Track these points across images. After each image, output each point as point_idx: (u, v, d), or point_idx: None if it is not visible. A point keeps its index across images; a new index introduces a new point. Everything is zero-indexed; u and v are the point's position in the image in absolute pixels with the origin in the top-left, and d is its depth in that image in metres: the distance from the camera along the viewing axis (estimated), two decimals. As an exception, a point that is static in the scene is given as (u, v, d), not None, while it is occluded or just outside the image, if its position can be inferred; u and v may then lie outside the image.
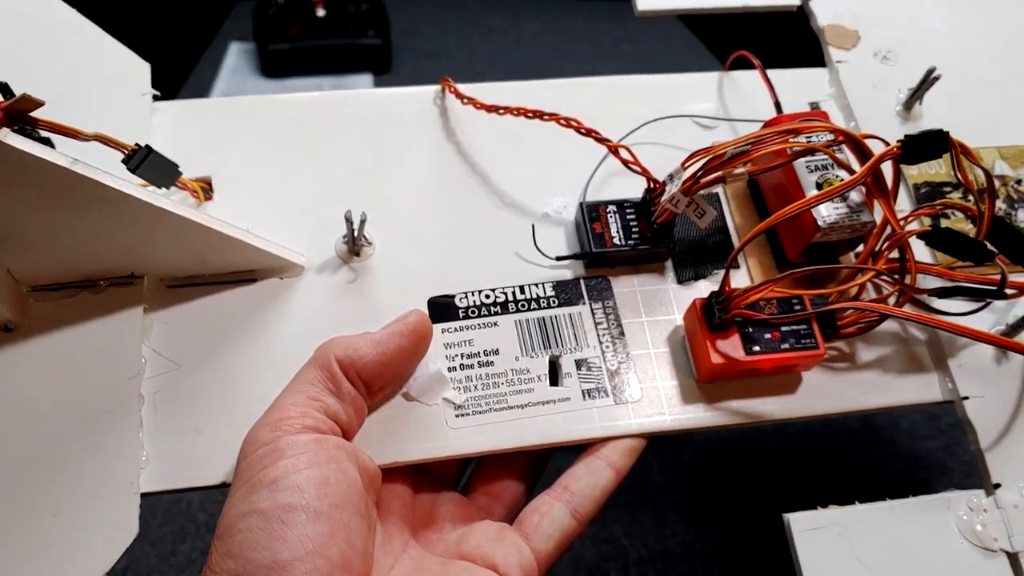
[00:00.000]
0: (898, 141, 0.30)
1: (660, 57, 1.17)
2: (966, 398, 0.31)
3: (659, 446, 0.68)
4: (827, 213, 0.31)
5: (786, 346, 0.30)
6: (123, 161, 0.28)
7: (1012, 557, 0.29)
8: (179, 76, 0.87)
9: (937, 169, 0.37)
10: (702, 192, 0.31)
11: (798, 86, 0.38)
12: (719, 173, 0.30)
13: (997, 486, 0.30)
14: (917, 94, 0.37)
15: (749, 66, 0.38)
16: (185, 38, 0.93)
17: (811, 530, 0.29)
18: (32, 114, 0.24)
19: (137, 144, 0.28)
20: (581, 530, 0.29)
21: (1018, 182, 0.37)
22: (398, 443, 0.29)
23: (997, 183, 0.36)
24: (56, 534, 0.27)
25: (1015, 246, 0.31)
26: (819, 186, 0.32)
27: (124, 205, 0.27)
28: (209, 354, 0.30)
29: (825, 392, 0.31)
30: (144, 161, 0.28)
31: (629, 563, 0.63)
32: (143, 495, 0.28)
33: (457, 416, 0.30)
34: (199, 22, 0.98)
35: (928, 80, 0.36)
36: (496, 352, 0.31)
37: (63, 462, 0.27)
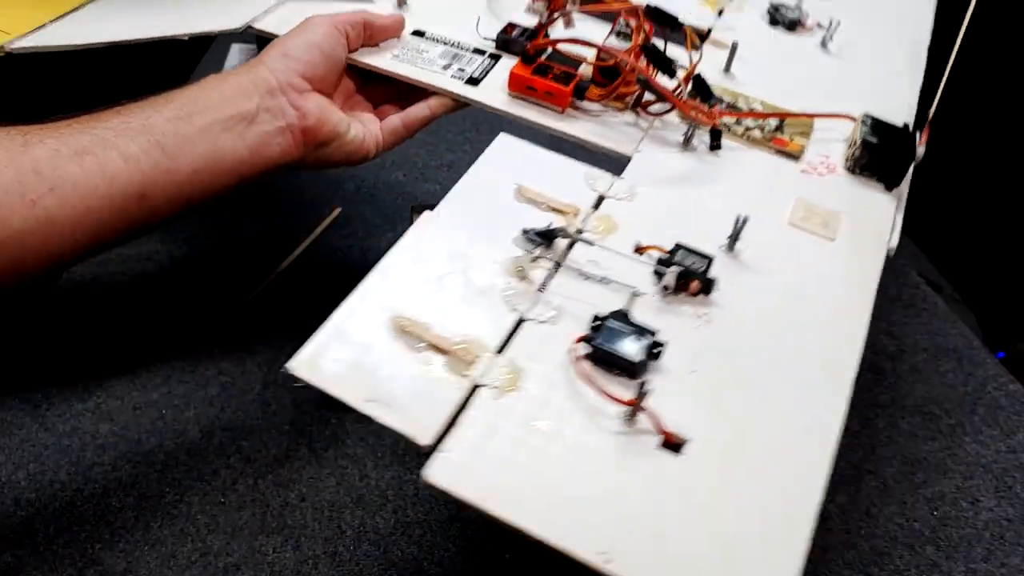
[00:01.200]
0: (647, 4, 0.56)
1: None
2: (639, 151, 0.54)
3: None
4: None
5: (553, 83, 0.55)
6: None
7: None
8: (182, 76, 0.92)
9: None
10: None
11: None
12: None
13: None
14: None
15: None
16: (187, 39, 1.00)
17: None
18: None
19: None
20: (407, 135, 0.58)
21: (750, 107, 0.58)
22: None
23: (745, 106, 0.59)
24: None
25: (702, 90, 0.54)
26: (619, 34, 0.58)
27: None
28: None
29: (578, 125, 0.55)
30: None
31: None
32: None
33: (392, 58, 0.59)
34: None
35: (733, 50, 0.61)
36: (427, 53, 0.60)
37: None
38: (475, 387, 0.39)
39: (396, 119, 0.58)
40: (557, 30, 0.63)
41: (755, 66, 0.63)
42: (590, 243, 0.46)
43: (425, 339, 0.40)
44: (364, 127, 0.57)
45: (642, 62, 0.54)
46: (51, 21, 0.56)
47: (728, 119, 0.56)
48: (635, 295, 0.42)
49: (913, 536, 0.58)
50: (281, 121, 0.51)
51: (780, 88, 0.61)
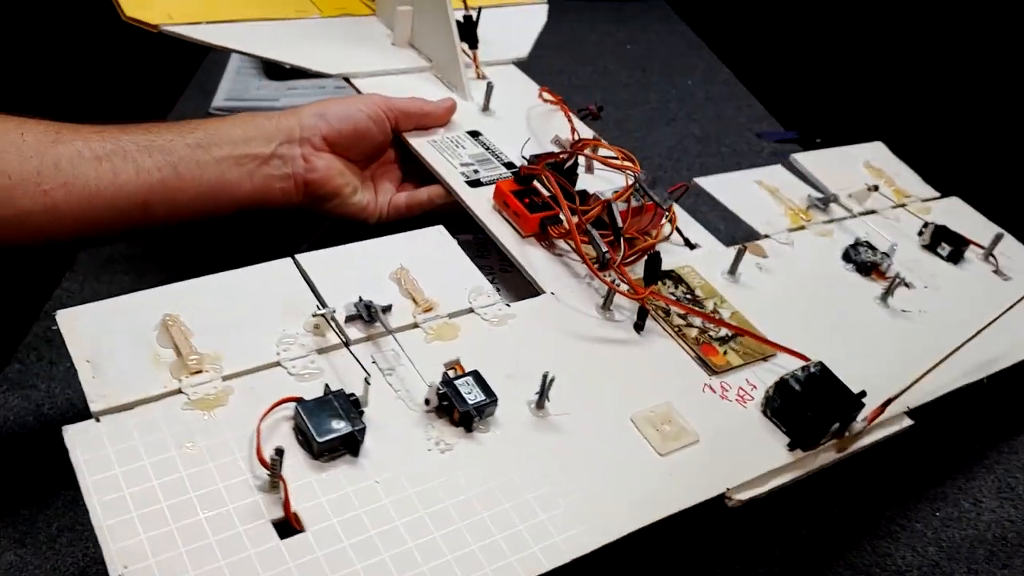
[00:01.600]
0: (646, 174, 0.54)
1: (664, 58, 1.15)
2: (553, 293, 0.52)
3: None
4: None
5: (523, 206, 0.56)
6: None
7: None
8: (184, 78, 0.96)
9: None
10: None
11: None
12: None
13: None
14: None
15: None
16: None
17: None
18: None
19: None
20: (408, 214, 0.62)
21: (715, 309, 0.53)
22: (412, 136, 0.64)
23: (710, 306, 0.53)
24: None
25: (652, 268, 0.51)
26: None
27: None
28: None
29: (525, 250, 0.55)
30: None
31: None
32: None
33: (428, 141, 0.63)
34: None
35: (739, 255, 0.56)
36: (462, 149, 0.64)
37: None
38: (178, 391, 0.41)
39: (403, 197, 0.63)
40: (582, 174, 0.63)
41: (775, 283, 0.58)
42: (392, 334, 0.46)
43: (174, 340, 0.43)
44: (375, 196, 0.62)
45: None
46: (207, 22, 0.69)
47: (677, 310, 0.52)
48: (368, 383, 0.41)
49: (915, 537, 0.57)
50: (288, 168, 0.58)
51: (780, 313, 0.55)
